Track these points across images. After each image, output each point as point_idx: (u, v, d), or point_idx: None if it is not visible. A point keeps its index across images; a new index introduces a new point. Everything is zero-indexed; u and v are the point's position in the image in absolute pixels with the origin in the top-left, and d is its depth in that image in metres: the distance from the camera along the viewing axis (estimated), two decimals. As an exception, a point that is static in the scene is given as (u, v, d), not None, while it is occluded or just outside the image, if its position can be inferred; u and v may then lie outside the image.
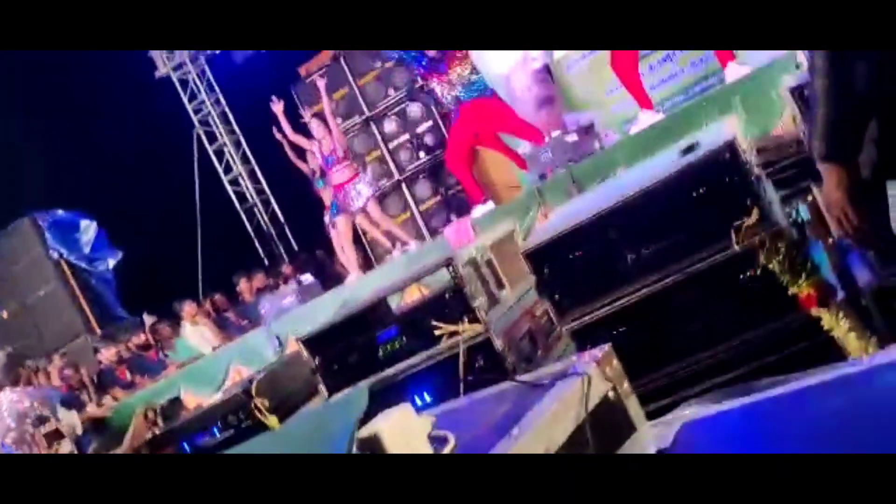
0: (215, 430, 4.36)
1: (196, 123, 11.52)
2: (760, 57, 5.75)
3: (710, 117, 5.39)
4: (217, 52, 11.12)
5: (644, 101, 6.30)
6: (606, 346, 1.81)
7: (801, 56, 5.19)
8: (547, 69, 9.59)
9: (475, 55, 7.25)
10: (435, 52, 6.85)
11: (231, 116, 11.60)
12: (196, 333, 9.07)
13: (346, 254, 7.99)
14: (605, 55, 6.76)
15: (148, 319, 9.50)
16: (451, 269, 3.49)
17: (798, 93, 2.92)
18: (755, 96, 5.32)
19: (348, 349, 3.82)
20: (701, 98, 5.85)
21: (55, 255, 10.41)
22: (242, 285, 9.80)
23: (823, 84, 1.79)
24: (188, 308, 9.18)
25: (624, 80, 6.32)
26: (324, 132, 7.61)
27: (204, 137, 11.51)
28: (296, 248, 11.42)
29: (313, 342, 4.01)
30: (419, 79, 7.20)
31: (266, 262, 11.09)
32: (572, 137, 6.12)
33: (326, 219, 8.82)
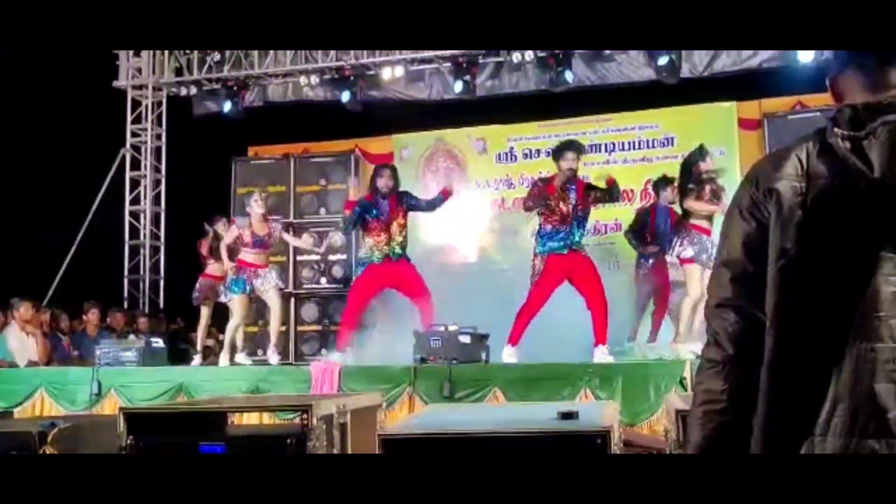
0: (-9, 456, 4.02)
1: (128, 145, 11.29)
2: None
3: (590, 384, 5.65)
4: (181, 93, 11.08)
5: (514, 338, 6.63)
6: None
7: (687, 371, 5.53)
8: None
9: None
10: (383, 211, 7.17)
11: (164, 157, 11.43)
12: (20, 341, 8.49)
13: (230, 335, 7.83)
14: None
15: (-14, 302, 8.86)
16: (304, 416, 3.43)
17: (682, 417, 3.08)
18: (636, 386, 5.59)
19: (166, 445, 3.64)
20: (587, 364, 6.12)
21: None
22: (91, 315, 9.32)
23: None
24: (24, 311, 8.62)
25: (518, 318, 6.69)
26: (262, 218, 7.79)
27: (128, 161, 11.26)
28: (161, 305, 11.02)
29: (135, 419, 3.82)
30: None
31: (125, 304, 10.62)
32: (465, 339, 6.25)
33: (197, 293, 8.50)
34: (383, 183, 7.32)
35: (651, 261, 7.74)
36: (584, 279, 6.69)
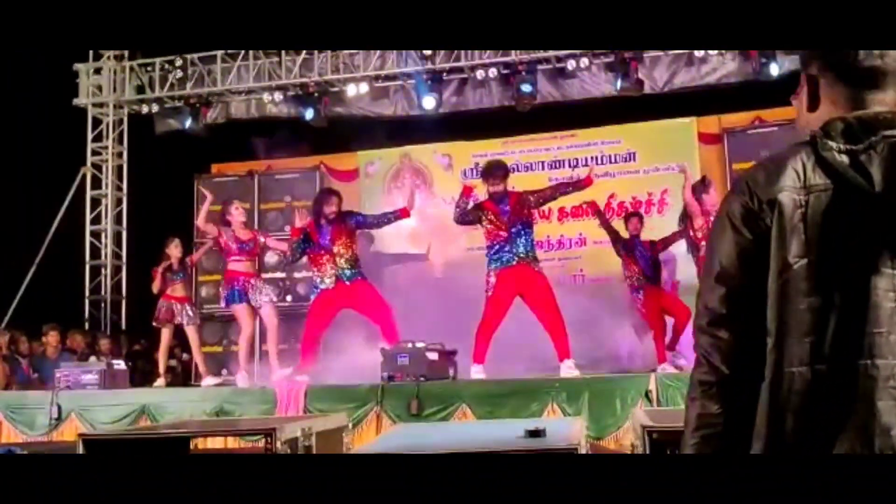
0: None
1: (88, 163, 11.12)
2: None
3: (557, 399, 5.66)
4: (143, 111, 10.93)
5: (478, 357, 6.61)
6: None
7: (652, 384, 5.58)
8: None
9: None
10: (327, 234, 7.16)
11: (125, 175, 11.28)
12: (-24, 364, 8.32)
13: (244, 347, 7.76)
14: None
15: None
16: (268, 441, 3.38)
17: (648, 432, 3.09)
18: (603, 400, 5.61)
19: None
20: (554, 379, 6.13)
21: None
22: (51, 337, 9.14)
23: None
24: (-19, 335, 8.48)
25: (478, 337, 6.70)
26: (242, 224, 7.81)
27: (89, 180, 11.09)
28: (123, 326, 10.84)
29: (95, 446, 3.75)
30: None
31: (87, 325, 10.44)
32: (433, 356, 6.24)
33: (162, 310, 8.23)
34: (330, 210, 7.31)
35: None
36: (537, 297, 6.73)
